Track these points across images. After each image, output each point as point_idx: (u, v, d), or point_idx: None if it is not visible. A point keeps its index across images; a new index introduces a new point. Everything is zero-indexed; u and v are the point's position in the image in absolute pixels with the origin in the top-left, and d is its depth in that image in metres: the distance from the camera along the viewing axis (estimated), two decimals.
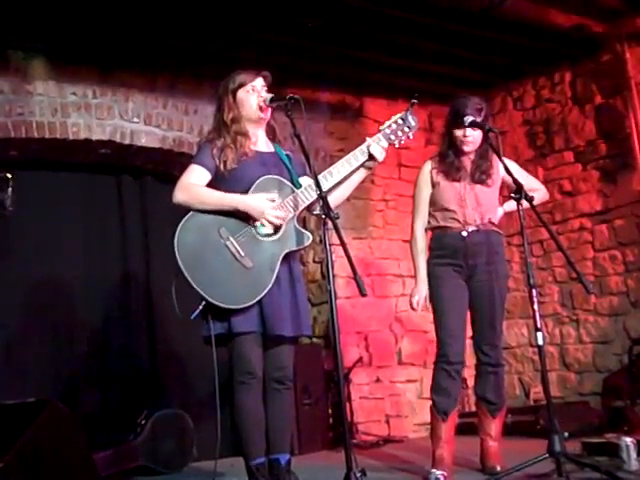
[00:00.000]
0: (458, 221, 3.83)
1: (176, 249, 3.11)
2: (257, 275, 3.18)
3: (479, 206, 3.85)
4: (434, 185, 3.91)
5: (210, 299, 3.10)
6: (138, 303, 5.52)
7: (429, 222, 3.94)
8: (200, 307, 3.11)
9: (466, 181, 3.89)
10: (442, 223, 3.87)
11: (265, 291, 3.17)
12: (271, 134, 3.49)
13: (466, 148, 3.85)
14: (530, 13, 5.29)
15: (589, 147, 6.08)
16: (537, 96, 6.51)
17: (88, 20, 4.76)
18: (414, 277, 3.93)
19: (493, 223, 3.91)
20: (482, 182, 3.89)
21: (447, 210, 3.85)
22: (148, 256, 5.59)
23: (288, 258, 3.29)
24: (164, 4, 4.73)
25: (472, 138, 3.83)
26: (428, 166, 3.96)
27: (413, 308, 3.89)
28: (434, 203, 3.91)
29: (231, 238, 3.19)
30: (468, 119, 3.76)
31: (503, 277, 3.90)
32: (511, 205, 3.92)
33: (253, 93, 3.36)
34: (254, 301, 3.16)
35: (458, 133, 3.84)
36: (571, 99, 6.24)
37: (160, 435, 4.79)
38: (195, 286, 3.09)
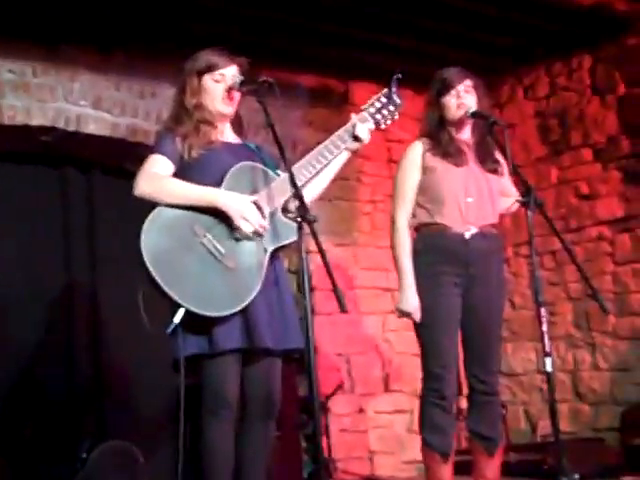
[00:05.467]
0: (459, 219, 3.79)
1: (143, 251, 3.10)
2: (242, 277, 3.18)
3: (485, 202, 3.85)
4: (427, 170, 3.85)
5: (190, 307, 3.08)
6: (82, 317, 5.50)
7: (414, 216, 3.87)
8: (178, 318, 3.09)
9: (470, 168, 3.86)
10: (437, 220, 3.80)
11: (253, 295, 3.17)
12: (238, 126, 3.51)
13: (459, 112, 3.83)
14: None
15: (610, 144, 6.12)
16: (551, 84, 6.55)
17: None
18: (398, 283, 3.86)
19: (495, 225, 3.91)
20: (491, 170, 3.89)
21: (444, 203, 3.79)
22: (95, 263, 5.58)
23: (272, 258, 3.30)
24: None
25: (469, 101, 3.84)
26: (419, 148, 3.89)
27: (415, 323, 3.80)
28: (425, 192, 3.85)
29: (208, 235, 3.19)
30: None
31: (503, 290, 3.93)
32: (507, 204, 3.95)
33: (221, 84, 3.37)
34: (240, 307, 3.14)
35: (450, 101, 3.85)
36: (590, 88, 6.29)
37: (104, 471, 4.77)
38: (170, 292, 3.07)
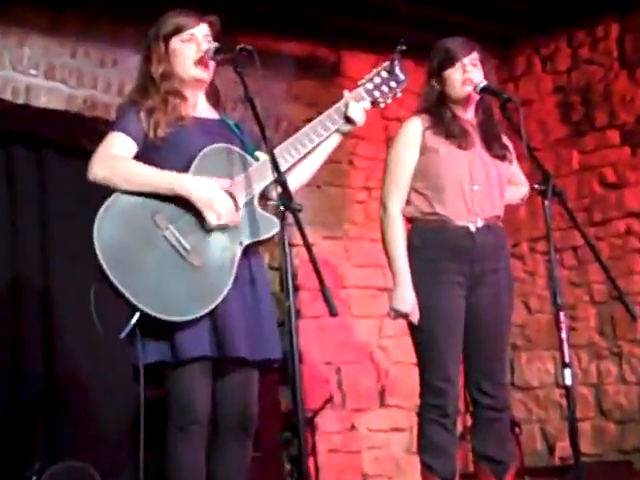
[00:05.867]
0: (464, 209, 3.81)
1: (96, 243, 3.10)
2: (209, 275, 3.19)
3: (493, 190, 3.86)
4: (426, 151, 3.85)
5: (147, 309, 3.09)
6: (31, 317, 5.47)
7: (409, 204, 3.87)
8: (133, 321, 3.10)
9: (476, 151, 3.87)
10: (438, 210, 3.81)
11: (222, 296, 3.17)
12: (214, 98, 3.50)
13: (465, 89, 3.83)
14: None
15: None
16: (573, 56, 6.55)
17: None
18: (392, 278, 3.86)
19: (499, 217, 3.93)
20: (500, 156, 3.90)
21: (446, 190, 3.80)
22: (47, 255, 5.56)
23: (248, 254, 3.30)
24: None
25: (476, 76, 3.84)
26: (417, 124, 3.90)
27: (412, 327, 3.81)
28: (424, 177, 3.85)
29: (171, 227, 3.19)
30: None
31: (512, 290, 3.96)
32: (512, 194, 3.95)
33: (191, 44, 3.36)
34: (207, 310, 3.15)
35: (454, 76, 3.84)
36: (618, 61, 6.30)
37: None
38: (125, 292, 3.08)
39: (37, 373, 5.42)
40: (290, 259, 2.93)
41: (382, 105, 3.53)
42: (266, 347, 3.29)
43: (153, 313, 3.09)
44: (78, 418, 5.40)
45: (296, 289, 4.95)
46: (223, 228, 3.22)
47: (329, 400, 5.85)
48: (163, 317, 3.10)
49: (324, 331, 6.01)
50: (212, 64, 3.37)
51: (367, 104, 3.47)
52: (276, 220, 3.26)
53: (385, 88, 3.50)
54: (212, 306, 3.15)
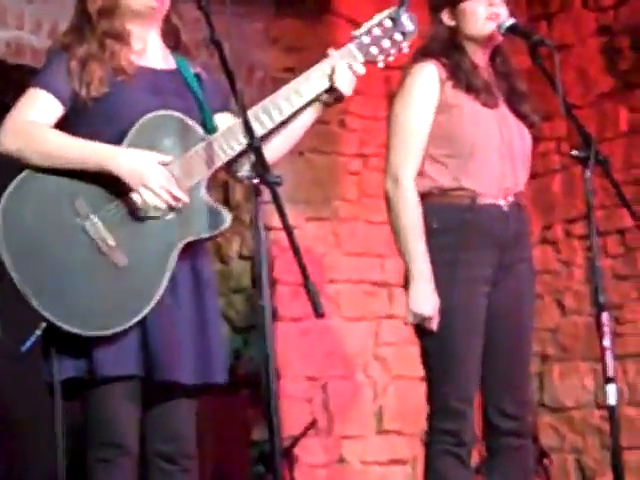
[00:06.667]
0: (495, 183, 3.83)
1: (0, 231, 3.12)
2: (137, 279, 3.20)
3: (520, 159, 3.90)
4: (446, 108, 3.86)
5: (54, 319, 3.10)
6: None
7: (422, 175, 3.85)
8: (38, 332, 3.11)
9: (500, 110, 3.90)
10: (464, 184, 3.82)
11: (150, 306, 3.18)
12: (172, 40, 3.48)
13: (489, 25, 3.83)
14: None
15: None
16: None
17: None
18: (406, 271, 3.86)
19: (523, 193, 3.97)
20: (528, 121, 3.94)
21: (475, 159, 3.82)
22: None
23: (191, 252, 3.30)
24: None
25: (503, 11, 3.84)
26: (433, 73, 3.88)
27: (422, 332, 3.83)
28: (443, 142, 3.86)
29: (93, 217, 3.19)
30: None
31: (534, 284, 4.01)
32: None
33: None
34: (131, 322, 3.16)
35: (477, 8, 3.82)
36: None
37: None
38: (29, 296, 3.10)
39: None
40: (265, 246, 2.94)
41: (381, 64, 3.43)
42: (208, 369, 3.31)
43: (65, 326, 3.11)
44: None
45: (272, 284, 4.94)
46: (158, 215, 3.22)
47: (312, 425, 5.88)
48: (77, 331, 3.12)
49: (307, 337, 6.05)
50: None
51: (360, 67, 3.38)
52: (227, 213, 3.30)
53: (387, 42, 3.40)
54: (138, 317, 3.16)
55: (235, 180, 3.49)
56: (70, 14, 3.55)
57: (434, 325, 3.77)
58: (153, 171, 3.20)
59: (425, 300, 3.77)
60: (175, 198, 3.21)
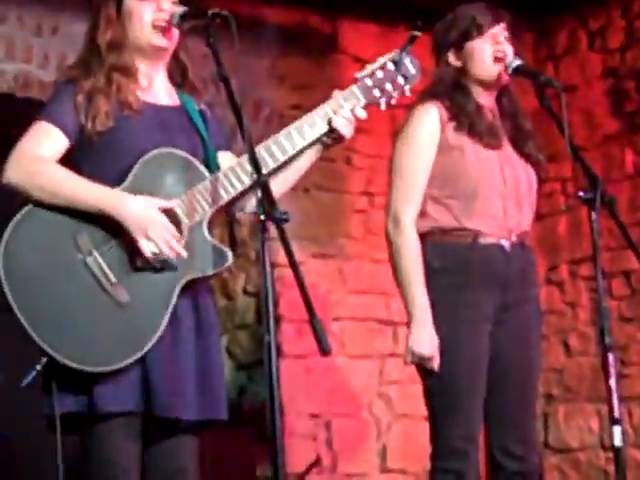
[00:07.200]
0: (498, 223, 3.82)
1: (1, 264, 3.11)
2: (138, 316, 3.19)
3: (525, 200, 3.90)
4: (447, 150, 3.86)
5: (56, 354, 3.10)
6: None
7: (424, 215, 3.86)
8: (38, 367, 3.11)
9: (504, 151, 3.90)
10: (466, 224, 3.82)
11: (152, 342, 3.17)
12: (179, 76, 3.49)
13: (496, 67, 3.82)
14: None
15: None
16: (628, 30, 6.58)
17: None
18: (406, 311, 3.85)
19: (528, 233, 3.96)
20: (533, 160, 3.94)
21: (478, 199, 3.82)
22: None
23: (193, 289, 3.30)
24: None
25: (509, 51, 3.84)
26: (434, 115, 3.88)
27: (425, 371, 3.82)
28: (445, 183, 3.86)
29: (95, 253, 3.18)
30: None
31: (541, 323, 4.01)
32: None
33: (150, 3, 3.34)
34: (132, 359, 3.15)
35: (483, 49, 3.83)
36: None
37: None
38: (31, 332, 3.09)
39: None
40: (271, 282, 2.93)
41: (383, 106, 3.43)
42: (210, 405, 3.30)
43: (66, 361, 3.10)
44: None
45: (277, 320, 4.94)
46: (158, 263, 3.21)
47: (316, 463, 5.87)
48: (75, 366, 3.11)
49: (311, 374, 6.04)
50: (176, 32, 3.36)
51: (361, 111, 3.39)
52: (228, 252, 3.29)
53: (389, 85, 3.41)
54: (139, 354, 3.15)
55: (234, 220, 3.49)
56: (78, 49, 3.56)
57: (435, 365, 3.76)
58: (156, 223, 3.19)
59: (424, 340, 3.76)
60: (175, 251, 3.19)
